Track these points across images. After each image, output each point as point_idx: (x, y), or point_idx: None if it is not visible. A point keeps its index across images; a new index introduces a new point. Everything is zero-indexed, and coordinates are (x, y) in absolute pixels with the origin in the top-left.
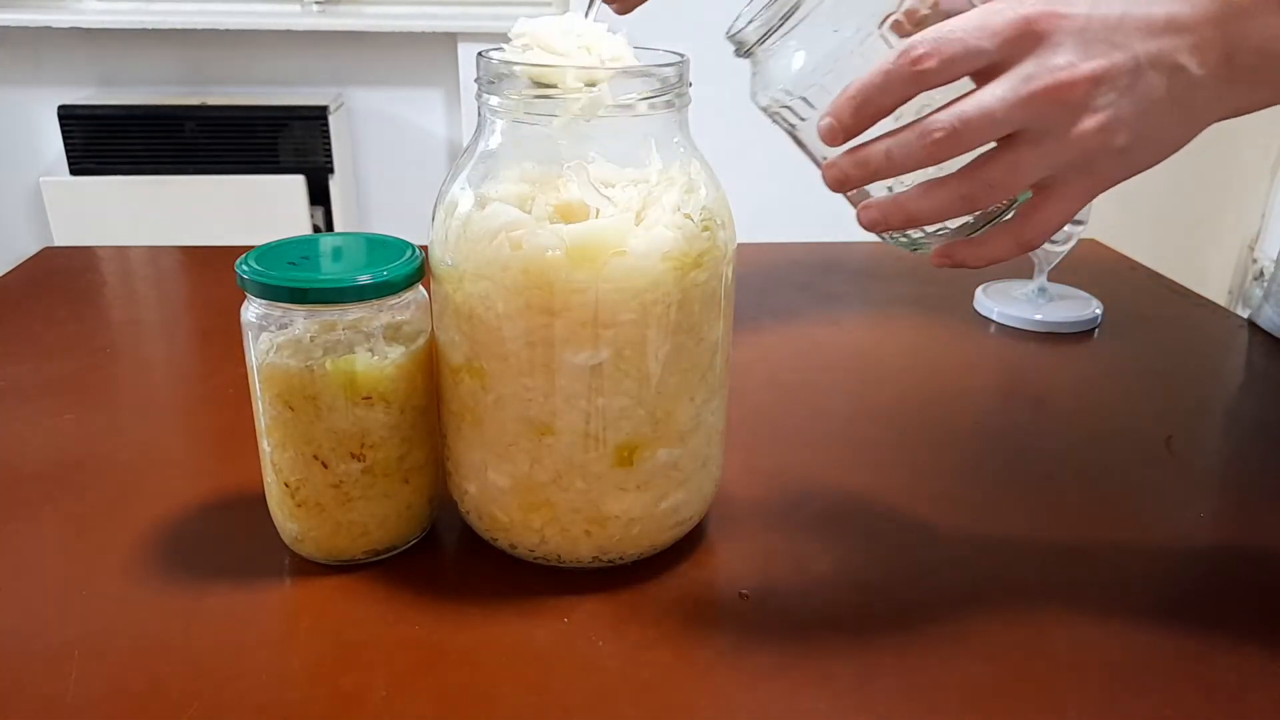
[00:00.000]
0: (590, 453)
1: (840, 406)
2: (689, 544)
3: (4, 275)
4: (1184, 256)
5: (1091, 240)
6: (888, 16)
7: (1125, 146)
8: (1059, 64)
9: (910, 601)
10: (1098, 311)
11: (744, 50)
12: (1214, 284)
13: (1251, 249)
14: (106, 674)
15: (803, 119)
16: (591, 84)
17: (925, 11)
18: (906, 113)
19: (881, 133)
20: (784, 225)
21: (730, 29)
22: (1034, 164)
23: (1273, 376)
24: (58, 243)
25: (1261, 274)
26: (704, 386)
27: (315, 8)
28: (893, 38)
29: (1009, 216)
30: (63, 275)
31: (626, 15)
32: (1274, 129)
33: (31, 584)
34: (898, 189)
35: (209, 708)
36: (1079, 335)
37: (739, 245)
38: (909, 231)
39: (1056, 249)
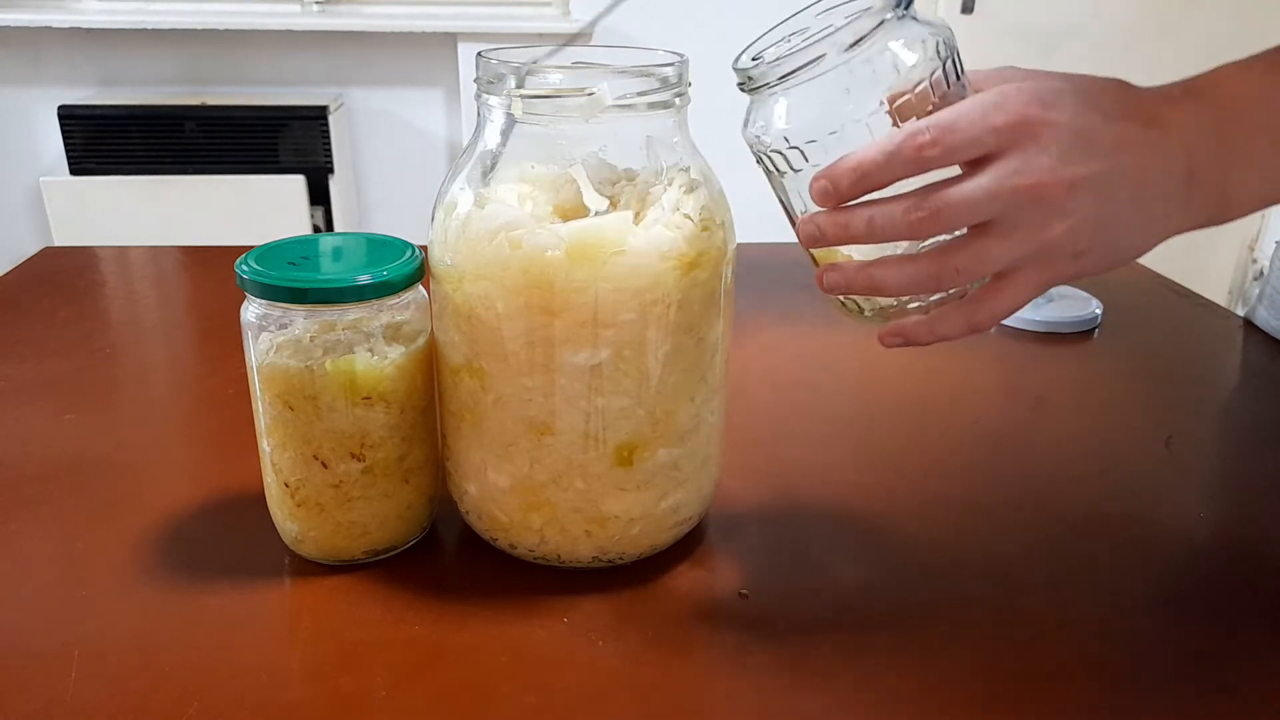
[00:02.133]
0: (590, 453)
1: (840, 406)
2: (689, 544)
3: (4, 275)
4: (1184, 256)
5: None
6: (900, 95)
7: (1084, 250)
8: (1043, 165)
9: (910, 601)
10: (1098, 311)
11: (753, 87)
12: (1214, 284)
13: (1251, 249)
14: (106, 674)
15: (794, 169)
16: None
17: (935, 101)
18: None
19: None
20: (784, 225)
21: (739, 61)
22: (1000, 254)
23: (1272, 376)
24: (58, 243)
25: (1261, 274)
26: (704, 386)
27: (315, 8)
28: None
29: (959, 296)
30: (63, 275)
31: (628, 14)
32: None
33: (31, 584)
34: (856, 256)
35: (209, 708)
36: (1079, 335)
37: (739, 245)
38: (860, 302)
39: None
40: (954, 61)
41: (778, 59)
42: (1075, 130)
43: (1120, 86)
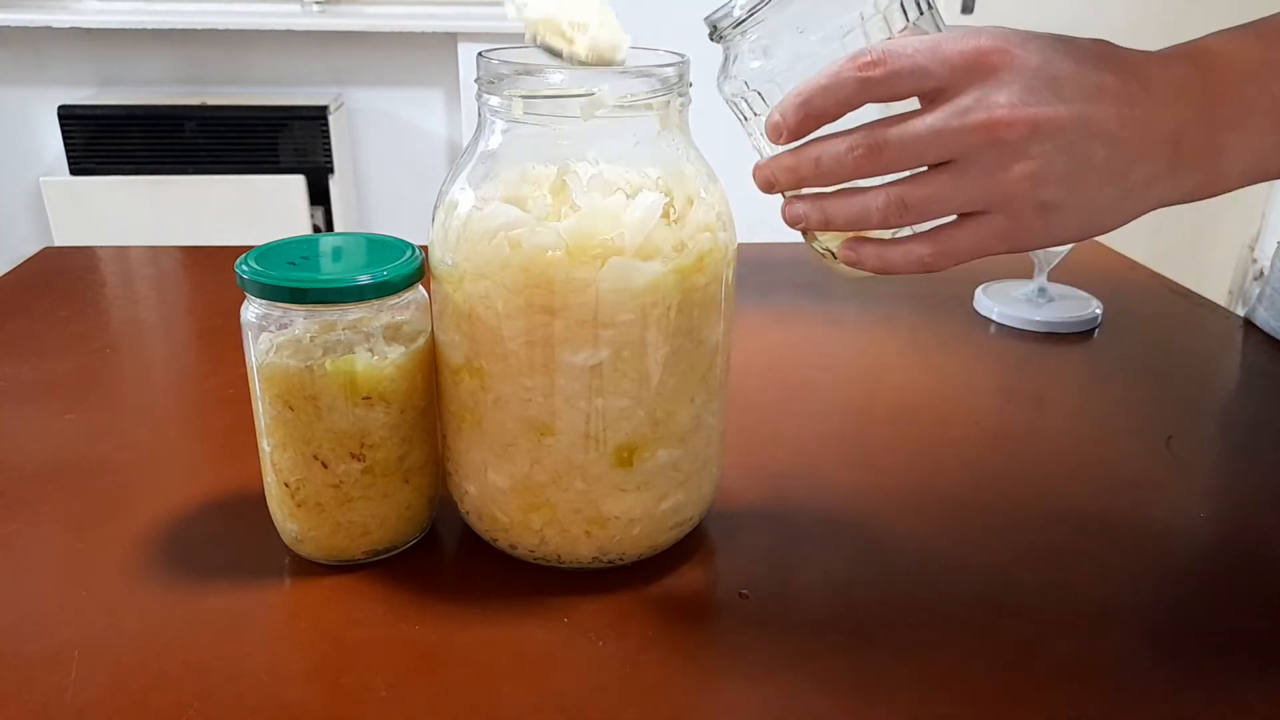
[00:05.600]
0: (590, 453)
1: (840, 406)
2: (689, 544)
3: (4, 275)
4: (1184, 256)
5: (1091, 240)
6: (851, 30)
7: (1051, 203)
8: (999, 101)
9: (910, 601)
10: (1098, 311)
11: (716, 35)
12: (1214, 284)
13: (1251, 249)
14: (106, 674)
15: (755, 114)
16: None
17: (892, 35)
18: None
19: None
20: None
21: (710, 13)
22: (952, 195)
23: (1272, 376)
24: (58, 243)
25: (1261, 274)
26: (704, 388)
27: (315, 8)
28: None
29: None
30: (63, 275)
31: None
32: None
33: (31, 584)
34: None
35: (209, 708)
36: (1079, 335)
37: (739, 245)
38: (830, 246)
39: (1057, 249)
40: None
41: (734, 3)
42: (1043, 70)
43: (1106, 43)
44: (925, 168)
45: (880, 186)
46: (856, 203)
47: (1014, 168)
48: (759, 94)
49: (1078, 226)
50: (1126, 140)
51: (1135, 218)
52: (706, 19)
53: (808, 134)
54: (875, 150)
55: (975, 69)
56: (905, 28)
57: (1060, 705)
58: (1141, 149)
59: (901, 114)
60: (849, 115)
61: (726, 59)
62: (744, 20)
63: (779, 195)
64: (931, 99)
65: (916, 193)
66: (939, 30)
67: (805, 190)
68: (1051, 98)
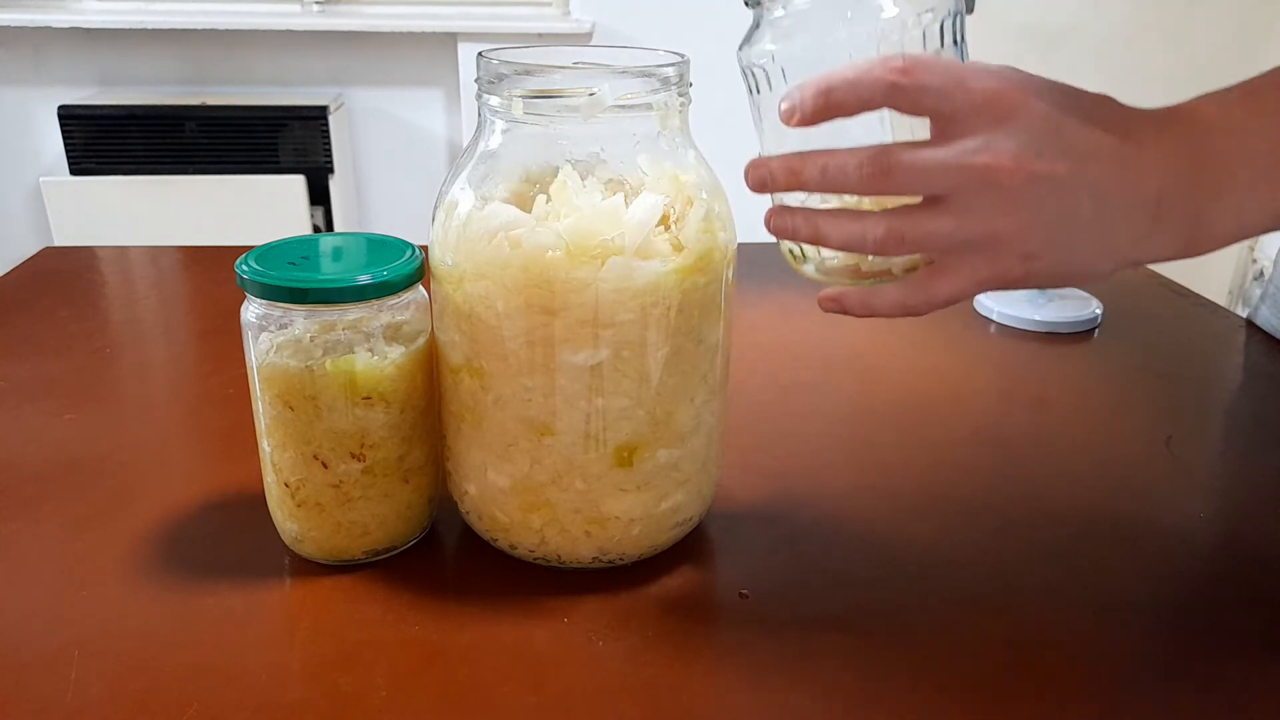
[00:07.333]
0: (590, 453)
1: (840, 406)
2: (689, 544)
3: (4, 275)
4: None
5: None
6: (889, 35)
7: (1035, 253)
8: (1006, 148)
9: (910, 601)
10: (1098, 311)
11: (754, 2)
12: (1214, 284)
13: (1251, 249)
14: (106, 674)
15: (771, 88)
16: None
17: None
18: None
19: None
20: None
21: None
22: (946, 232)
23: (1273, 376)
24: (58, 243)
25: (1262, 274)
26: (704, 388)
27: (315, 8)
28: (886, 51)
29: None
30: (63, 275)
31: (628, 14)
32: None
33: (31, 584)
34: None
35: (209, 708)
36: (1079, 335)
37: (739, 245)
38: (807, 251)
39: None
40: (955, 23)
41: None
42: (1051, 124)
43: (1109, 100)
44: (917, 199)
45: (881, 215)
46: (855, 226)
47: (1006, 216)
48: (782, 70)
49: (1055, 276)
50: (1114, 200)
51: (1111, 274)
52: None
53: (820, 122)
54: (885, 172)
55: (991, 109)
56: (937, 50)
57: (1060, 705)
58: (1126, 210)
59: (912, 141)
60: (832, 127)
61: (756, 26)
62: None
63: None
64: (943, 125)
65: (909, 225)
66: (960, 50)
67: (792, 203)
68: (1054, 152)
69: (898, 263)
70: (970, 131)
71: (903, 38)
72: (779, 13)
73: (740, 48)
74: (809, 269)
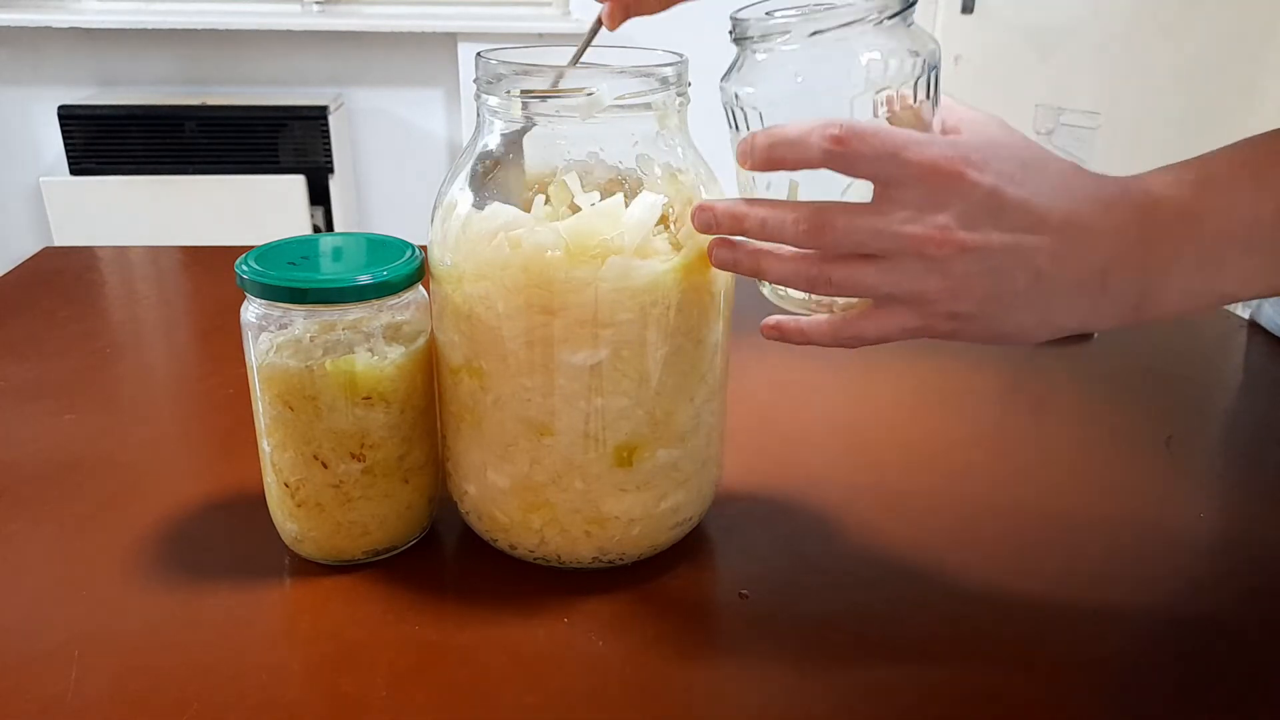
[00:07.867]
0: (590, 453)
1: (840, 406)
2: (689, 544)
3: (4, 275)
4: None
5: None
6: (859, 93)
7: (963, 314)
8: (936, 221)
9: (910, 601)
10: None
11: (735, 38)
12: None
13: None
14: (106, 674)
15: (748, 126)
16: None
17: (897, 109)
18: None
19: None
20: None
21: (741, 10)
22: (873, 285)
23: (1273, 376)
24: (58, 243)
25: None
26: (704, 387)
27: (315, 8)
28: (862, 108)
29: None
30: (63, 275)
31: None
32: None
33: (31, 584)
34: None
35: (209, 708)
36: (1079, 335)
37: None
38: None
39: None
40: (929, 79)
41: (760, 19)
42: (990, 197)
43: (1072, 170)
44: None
45: (813, 258)
46: (789, 265)
47: (934, 279)
48: (759, 113)
49: (986, 337)
50: (1053, 273)
51: (1052, 337)
52: (733, 15)
53: (767, 171)
54: (817, 230)
55: (927, 181)
56: (911, 105)
57: (1060, 705)
58: (1067, 284)
59: (849, 204)
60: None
61: (736, 63)
62: (769, 36)
63: (780, 193)
64: (881, 190)
65: (841, 270)
66: (930, 103)
67: (738, 239)
68: (987, 225)
69: (841, 301)
70: (906, 201)
71: (875, 99)
72: (761, 56)
73: (722, 80)
74: (766, 290)
